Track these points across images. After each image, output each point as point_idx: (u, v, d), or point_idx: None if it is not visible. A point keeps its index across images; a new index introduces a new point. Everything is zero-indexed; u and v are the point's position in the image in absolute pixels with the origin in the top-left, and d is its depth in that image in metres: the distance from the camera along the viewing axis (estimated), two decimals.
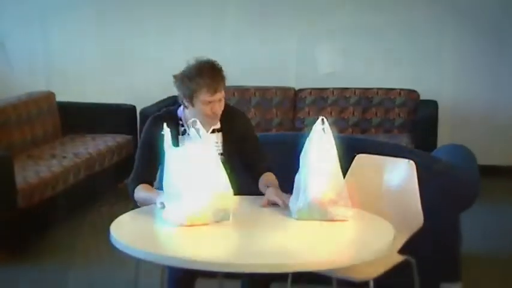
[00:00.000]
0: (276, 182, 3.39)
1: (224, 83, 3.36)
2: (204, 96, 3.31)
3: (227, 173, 3.13)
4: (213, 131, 3.47)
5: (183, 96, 3.38)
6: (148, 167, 3.34)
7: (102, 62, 7.42)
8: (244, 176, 3.49)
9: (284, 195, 3.24)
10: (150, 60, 7.35)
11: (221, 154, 3.49)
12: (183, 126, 3.44)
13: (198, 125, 3.10)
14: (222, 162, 3.43)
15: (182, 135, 3.40)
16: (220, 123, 3.49)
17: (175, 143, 3.24)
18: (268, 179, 3.42)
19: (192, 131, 3.07)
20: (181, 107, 3.47)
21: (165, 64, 7.26)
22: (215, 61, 3.37)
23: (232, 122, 3.51)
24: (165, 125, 3.03)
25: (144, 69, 7.37)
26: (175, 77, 3.39)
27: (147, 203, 3.25)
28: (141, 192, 3.31)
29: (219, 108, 3.37)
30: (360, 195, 3.34)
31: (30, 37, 7.49)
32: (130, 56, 7.39)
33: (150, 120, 3.47)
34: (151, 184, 3.38)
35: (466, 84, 6.97)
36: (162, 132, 3.00)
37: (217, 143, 3.48)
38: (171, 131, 3.02)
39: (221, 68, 3.36)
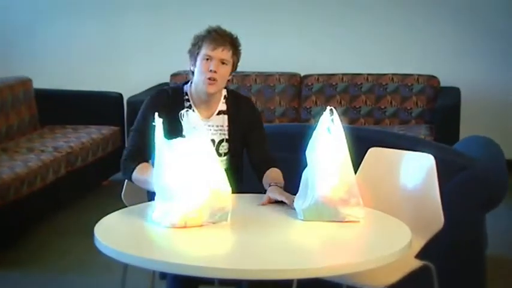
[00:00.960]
0: (281, 179, 3.42)
1: (234, 53, 3.48)
2: (205, 49, 3.44)
3: (230, 166, 3.15)
4: (219, 113, 3.55)
5: (190, 58, 3.50)
6: (144, 142, 3.34)
7: (85, 45, 7.42)
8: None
9: (287, 194, 3.25)
10: (139, 44, 7.35)
11: (226, 140, 3.53)
12: (188, 101, 3.53)
13: (191, 114, 3.10)
14: (227, 151, 3.47)
15: (187, 110, 3.41)
16: (227, 105, 3.56)
17: (178, 120, 3.26)
18: (273, 176, 3.44)
19: (183, 122, 3.07)
20: (189, 83, 3.57)
21: (155, 49, 7.31)
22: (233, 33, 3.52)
23: (239, 106, 3.59)
24: (156, 114, 3.04)
25: (132, 53, 7.36)
26: None
27: (145, 186, 3.31)
28: (138, 173, 3.34)
29: (219, 72, 3.43)
30: (373, 193, 3.35)
31: (5, 17, 7.48)
32: (117, 39, 7.38)
33: (154, 93, 3.56)
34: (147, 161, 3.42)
35: (491, 69, 6.96)
36: (154, 123, 3.01)
37: (222, 126, 3.55)
38: (175, 106, 3.06)
39: (236, 36, 3.50)
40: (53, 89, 6.72)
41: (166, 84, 6.94)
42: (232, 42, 3.47)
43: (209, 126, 3.52)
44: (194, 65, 3.49)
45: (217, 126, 3.54)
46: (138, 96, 6.51)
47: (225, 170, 3.44)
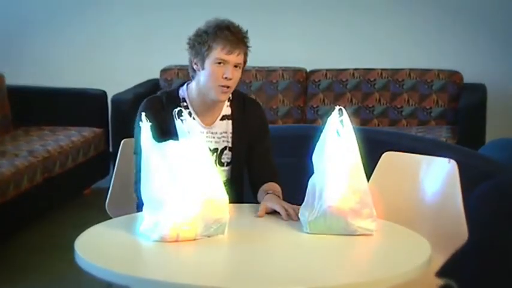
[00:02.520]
0: (279, 192, 3.43)
1: (246, 52, 3.42)
2: (218, 53, 3.36)
3: (232, 177, 3.13)
4: (223, 118, 3.53)
5: (194, 57, 3.43)
6: None
7: (65, 37, 7.42)
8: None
9: (287, 204, 3.25)
10: (125, 36, 7.35)
11: (229, 149, 3.53)
12: (187, 108, 3.47)
13: (191, 122, 3.10)
14: (230, 160, 3.49)
15: (180, 110, 3.39)
16: (231, 109, 3.54)
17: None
18: (270, 187, 3.45)
19: (177, 124, 3.08)
20: (185, 85, 3.53)
21: (143, 41, 7.31)
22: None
23: (245, 111, 3.56)
24: (143, 114, 3.04)
25: (118, 46, 7.37)
26: (189, 38, 3.46)
27: None
28: None
29: (233, 78, 3.39)
30: (388, 202, 3.35)
31: None
32: (100, 30, 7.38)
33: (144, 103, 3.49)
34: None
35: None
36: (140, 125, 3.01)
37: (225, 133, 3.53)
38: (171, 116, 3.03)
39: (246, 31, 3.44)
40: (27, 86, 6.72)
41: (155, 80, 6.95)
42: (245, 42, 3.42)
43: (212, 133, 3.51)
44: (201, 66, 3.42)
45: (220, 133, 3.52)
46: (124, 94, 6.51)
47: (226, 180, 3.46)
